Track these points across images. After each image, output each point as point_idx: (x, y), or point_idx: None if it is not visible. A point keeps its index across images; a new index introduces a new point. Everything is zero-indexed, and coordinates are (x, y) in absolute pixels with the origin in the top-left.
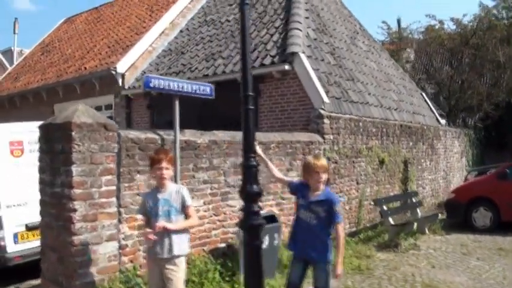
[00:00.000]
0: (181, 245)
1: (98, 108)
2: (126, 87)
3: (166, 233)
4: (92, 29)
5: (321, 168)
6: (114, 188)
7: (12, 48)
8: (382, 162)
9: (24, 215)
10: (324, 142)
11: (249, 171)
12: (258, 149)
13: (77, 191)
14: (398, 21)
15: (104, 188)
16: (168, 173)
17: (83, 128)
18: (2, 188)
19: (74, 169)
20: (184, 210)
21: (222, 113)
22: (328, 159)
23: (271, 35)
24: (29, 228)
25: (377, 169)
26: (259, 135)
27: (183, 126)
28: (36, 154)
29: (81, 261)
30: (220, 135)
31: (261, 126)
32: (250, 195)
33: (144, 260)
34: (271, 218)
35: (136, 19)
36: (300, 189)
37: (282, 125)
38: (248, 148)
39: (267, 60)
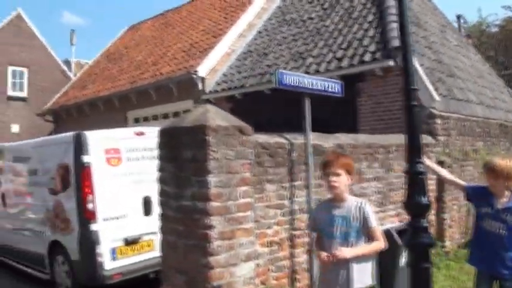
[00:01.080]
0: (363, 275)
1: (176, 114)
2: (207, 91)
3: (344, 260)
4: (161, 35)
5: (507, 171)
6: (250, 200)
7: (70, 59)
8: None
9: (122, 229)
10: (437, 144)
11: (416, 179)
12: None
13: (214, 205)
14: (458, 18)
15: (241, 201)
16: (340, 180)
17: (219, 131)
18: (98, 199)
19: (211, 179)
20: (366, 231)
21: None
22: (442, 162)
23: (366, 30)
24: (128, 242)
25: (482, 173)
26: (380, 138)
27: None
28: (134, 163)
29: (217, 285)
30: (343, 138)
31: (361, 128)
32: (418, 208)
33: (275, 282)
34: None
35: (210, 22)
36: (480, 195)
37: (386, 127)
38: (414, 151)
39: (367, 57)
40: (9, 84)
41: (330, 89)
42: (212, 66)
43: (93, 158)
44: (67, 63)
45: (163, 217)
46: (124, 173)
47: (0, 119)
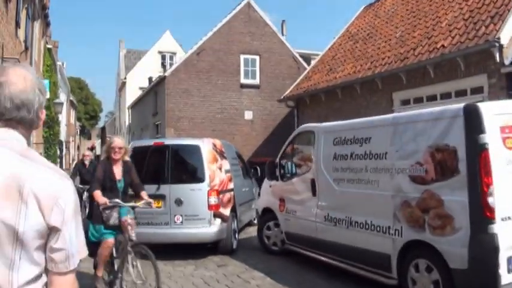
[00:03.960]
0: None
1: (461, 93)
2: (507, 62)
3: None
4: (419, 7)
5: None
6: None
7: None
8: None
9: None
10: None
11: None
12: None
13: None
14: None
15: None
16: None
17: None
18: (497, 192)
19: None
20: None
21: None
22: None
23: None
24: None
25: None
26: None
27: None
28: None
29: None
30: None
31: None
32: None
33: None
34: None
35: None
36: None
37: None
38: None
39: None
40: (242, 72)
41: None
42: (511, 33)
43: (490, 138)
44: None
45: None
46: None
47: (235, 106)
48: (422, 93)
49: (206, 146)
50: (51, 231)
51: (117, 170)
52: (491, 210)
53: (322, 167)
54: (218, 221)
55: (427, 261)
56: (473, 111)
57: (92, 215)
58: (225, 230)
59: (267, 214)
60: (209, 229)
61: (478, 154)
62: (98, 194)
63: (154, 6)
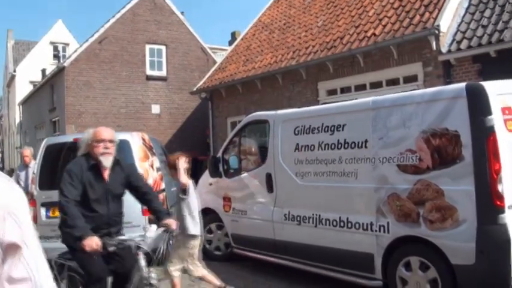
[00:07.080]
0: None
1: (393, 82)
2: (444, 50)
3: None
4: None
5: None
6: None
7: None
8: None
9: None
10: None
11: None
12: None
13: None
14: None
15: None
16: None
17: None
18: (504, 179)
19: None
20: None
21: None
22: None
23: None
24: None
25: None
26: None
27: None
28: None
29: None
30: None
31: None
32: None
33: None
34: None
35: None
36: None
37: None
38: None
39: None
40: (148, 63)
41: None
42: (449, 21)
43: (495, 119)
44: None
45: None
46: None
47: (141, 100)
48: (350, 82)
49: (136, 141)
50: (7, 253)
51: None
52: (501, 198)
53: (280, 159)
54: (154, 227)
55: (422, 259)
56: (479, 91)
57: None
58: (161, 236)
59: (206, 215)
60: (145, 237)
61: (485, 138)
62: None
63: None
